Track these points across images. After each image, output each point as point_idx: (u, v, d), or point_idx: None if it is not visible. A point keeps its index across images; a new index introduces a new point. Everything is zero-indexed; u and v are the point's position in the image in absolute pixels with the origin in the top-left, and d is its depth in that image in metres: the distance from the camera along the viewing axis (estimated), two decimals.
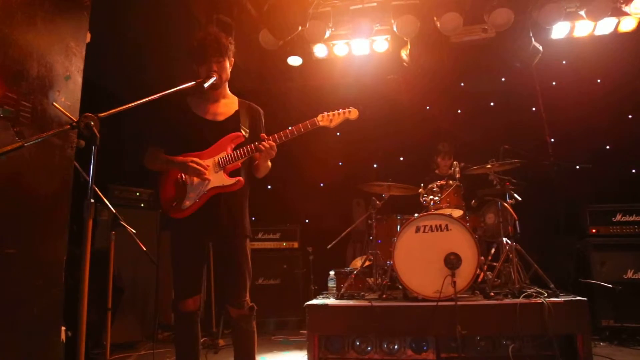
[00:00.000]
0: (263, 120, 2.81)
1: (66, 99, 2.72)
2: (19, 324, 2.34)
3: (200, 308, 2.66)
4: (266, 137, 2.54)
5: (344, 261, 5.74)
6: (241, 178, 2.55)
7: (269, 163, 2.68)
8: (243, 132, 2.62)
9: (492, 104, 6.53)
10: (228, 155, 2.56)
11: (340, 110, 2.69)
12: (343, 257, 5.90)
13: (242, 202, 2.67)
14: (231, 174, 2.57)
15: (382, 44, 5.79)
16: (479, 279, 4.02)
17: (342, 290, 4.17)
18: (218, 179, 2.54)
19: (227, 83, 2.73)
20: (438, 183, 4.35)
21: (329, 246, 4.68)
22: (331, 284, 4.50)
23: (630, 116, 5.94)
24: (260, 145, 2.51)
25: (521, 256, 4.01)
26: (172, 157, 2.59)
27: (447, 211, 4.17)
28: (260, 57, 5.95)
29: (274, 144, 2.53)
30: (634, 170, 5.84)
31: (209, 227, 2.55)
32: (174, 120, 2.65)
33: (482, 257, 3.82)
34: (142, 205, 5.05)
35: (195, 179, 2.55)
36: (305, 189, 6.52)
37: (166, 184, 2.62)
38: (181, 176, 2.58)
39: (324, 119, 2.65)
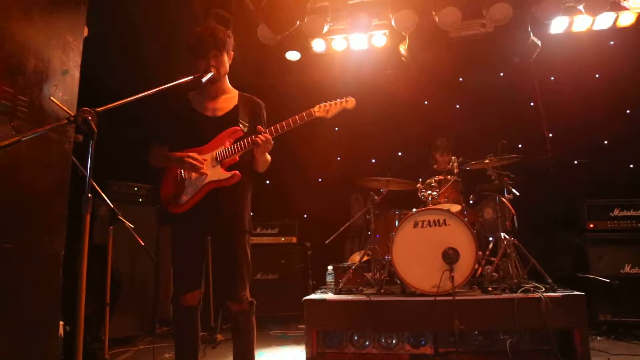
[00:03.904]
0: (265, 113, 2.80)
1: (64, 94, 2.71)
2: (17, 318, 2.34)
3: (200, 303, 2.66)
4: (262, 129, 2.54)
5: (342, 256, 5.75)
6: (237, 172, 2.54)
7: (268, 157, 2.68)
8: (241, 126, 2.61)
9: (490, 98, 6.52)
10: (225, 150, 2.55)
11: (337, 100, 2.67)
12: (341, 252, 5.91)
13: (243, 197, 2.66)
14: (229, 169, 2.56)
15: (380, 39, 5.78)
16: (477, 274, 4.03)
17: (341, 285, 4.18)
18: (215, 174, 2.54)
19: (227, 77, 2.73)
20: (436, 178, 4.34)
21: (328, 241, 4.69)
22: (329, 278, 4.51)
23: (628, 111, 5.95)
24: (256, 139, 2.50)
25: (519, 251, 4.02)
26: (172, 153, 2.59)
27: (446, 206, 4.17)
28: (258, 52, 5.93)
29: (269, 136, 2.52)
30: (631, 165, 5.85)
31: (207, 222, 2.55)
32: (177, 117, 2.66)
33: (480, 252, 3.83)
34: (140, 200, 5.05)
35: (194, 174, 2.55)
36: (304, 184, 6.51)
37: (167, 180, 2.63)
38: (180, 172, 2.58)
39: (320, 110, 2.64)
